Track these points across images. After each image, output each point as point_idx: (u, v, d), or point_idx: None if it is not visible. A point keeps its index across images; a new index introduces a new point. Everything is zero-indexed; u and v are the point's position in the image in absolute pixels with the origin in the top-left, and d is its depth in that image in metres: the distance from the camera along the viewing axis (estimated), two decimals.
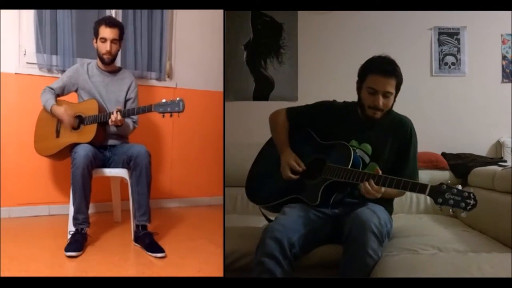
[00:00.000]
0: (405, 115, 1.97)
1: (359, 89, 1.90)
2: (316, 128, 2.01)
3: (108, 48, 2.45)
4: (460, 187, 1.48)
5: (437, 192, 1.50)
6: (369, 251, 1.61)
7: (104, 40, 2.45)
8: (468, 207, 1.44)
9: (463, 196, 1.46)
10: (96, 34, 2.48)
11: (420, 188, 1.56)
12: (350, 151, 1.81)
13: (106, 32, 2.44)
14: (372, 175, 1.68)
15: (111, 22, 2.48)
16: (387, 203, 1.92)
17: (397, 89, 1.84)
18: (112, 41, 2.46)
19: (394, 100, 1.87)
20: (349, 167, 1.76)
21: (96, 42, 2.49)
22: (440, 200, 1.48)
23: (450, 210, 1.48)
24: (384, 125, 1.92)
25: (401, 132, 1.91)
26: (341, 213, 1.86)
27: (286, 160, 1.92)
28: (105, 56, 2.48)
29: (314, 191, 1.81)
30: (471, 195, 1.45)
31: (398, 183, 1.61)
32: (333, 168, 1.79)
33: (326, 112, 2.01)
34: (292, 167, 1.90)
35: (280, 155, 1.98)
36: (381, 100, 1.81)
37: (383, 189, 1.67)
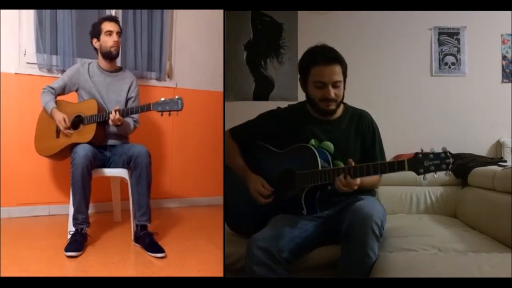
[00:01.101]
0: (363, 109, 1.92)
1: (304, 85, 1.83)
2: (267, 140, 1.93)
3: (115, 38, 2.49)
4: (435, 149, 1.47)
5: (415, 163, 1.47)
6: (369, 251, 1.60)
7: (110, 32, 2.48)
8: (449, 166, 1.43)
9: (441, 157, 1.45)
10: (98, 31, 2.50)
11: (398, 166, 1.52)
12: (313, 151, 1.73)
13: (110, 25, 2.50)
14: (347, 168, 1.62)
15: (111, 18, 2.57)
16: (370, 192, 1.90)
17: (344, 75, 1.78)
18: (117, 33, 2.51)
19: (344, 88, 1.80)
20: (319, 167, 1.69)
21: (99, 40, 2.50)
22: (421, 170, 1.46)
23: (434, 175, 1.46)
24: (344, 121, 1.88)
25: (362, 126, 1.87)
26: (333, 213, 1.83)
27: (254, 188, 1.84)
28: (112, 49, 2.50)
29: (297, 203, 1.74)
30: (448, 154, 1.44)
31: (375, 168, 1.58)
32: (305, 174, 1.71)
33: (272, 121, 1.94)
34: (261, 193, 1.83)
35: (245, 182, 1.89)
36: (332, 92, 1.75)
37: (358, 180, 1.62)
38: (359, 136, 1.87)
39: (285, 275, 1.64)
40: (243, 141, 1.99)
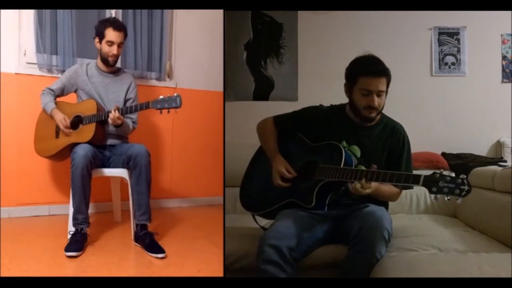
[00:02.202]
0: (398, 122, 1.97)
1: (349, 91, 1.89)
2: (305, 133, 2.00)
3: (115, 52, 2.45)
4: (453, 174, 1.48)
5: (431, 181, 1.49)
6: (376, 253, 1.63)
7: (111, 43, 2.44)
8: (463, 193, 1.43)
9: (457, 182, 1.45)
10: (101, 35, 2.45)
11: (414, 179, 1.55)
12: (341, 150, 1.80)
13: (114, 35, 2.43)
14: (365, 171, 1.67)
15: (118, 25, 2.47)
16: (385, 203, 1.93)
17: (387, 86, 1.85)
18: (119, 44, 2.46)
19: (385, 98, 1.87)
20: (342, 166, 1.75)
21: (100, 43, 2.47)
22: (434, 189, 1.47)
23: (446, 198, 1.46)
24: (376, 130, 1.92)
25: (393, 139, 1.91)
26: (341, 214, 1.85)
27: (276, 168, 1.91)
28: (110, 59, 2.48)
29: (309, 193, 1.79)
30: (465, 181, 1.44)
31: (391, 177, 1.60)
32: (326, 168, 1.78)
33: (314, 116, 2.00)
34: (282, 175, 1.89)
35: (271, 162, 1.97)
36: (376, 100, 1.81)
37: (372, 184, 1.65)
38: (387, 148, 1.90)
39: (294, 274, 1.65)
40: (284, 129, 2.06)
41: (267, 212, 1.96)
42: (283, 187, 1.90)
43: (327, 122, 1.97)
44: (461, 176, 1.46)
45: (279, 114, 2.10)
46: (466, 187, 1.44)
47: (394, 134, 1.92)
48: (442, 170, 1.50)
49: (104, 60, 2.50)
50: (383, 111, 1.96)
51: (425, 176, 1.51)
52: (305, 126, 2.01)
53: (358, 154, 1.88)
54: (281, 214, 1.85)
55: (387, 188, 1.81)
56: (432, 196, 1.48)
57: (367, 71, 1.81)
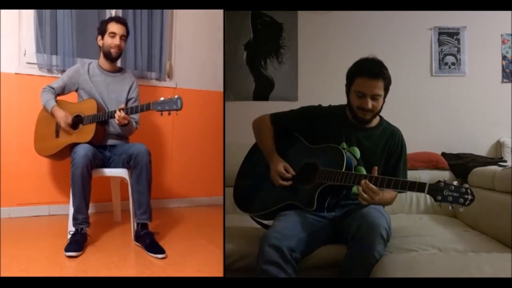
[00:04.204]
0: (396, 126, 1.97)
1: (348, 92, 1.90)
2: (303, 132, 1.99)
3: (117, 42, 2.49)
4: (456, 183, 1.52)
5: (435, 190, 1.52)
6: (375, 253, 1.63)
7: (113, 34, 2.48)
8: (466, 202, 1.49)
9: (461, 192, 1.50)
10: (103, 31, 2.49)
11: (419, 187, 1.57)
12: (343, 153, 1.80)
13: (116, 27, 2.49)
14: (369, 176, 1.67)
15: (120, 19, 2.55)
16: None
17: (386, 90, 1.84)
18: (121, 37, 2.50)
19: (384, 101, 1.87)
20: (343, 169, 1.75)
21: (103, 38, 2.50)
22: (439, 197, 1.51)
23: (450, 206, 1.51)
24: (376, 133, 1.93)
25: (391, 143, 1.91)
26: (340, 214, 1.86)
27: (275, 168, 1.90)
28: (112, 50, 2.49)
29: (310, 196, 1.79)
30: (468, 190, 1.50)
31: (396, 183, 1.62)
32: (327, 171, 1.78)
33: (312, 116, 2.00)
34: (281, 175, 1.88)
35: (269, 162, 1.96)
36: (370, 103, 1.81)
37: (381, 192, 1.66)
38: (386, 152, 1.91)
39: (294, 275, 1.65)
40: (280, 127, 2.04)
41: (265, 214, 1.95)
42: (282, 189, 1.89)
43: (326, 122, 1.96)
44: (465, 185, 1.51)
45: (276, 112, 2.09)
46: (469, 197, 1.49)
47: (393, 138, 1.93)
48: (445, 179, 1.53)
49: (107, 54, 2.51)
50: (382, 115, 1.96)
51: (430, 185, 1.54)
52: (303, 125, 2.00)
53: (358, 155, 1.88)
54: (281, 214, 1.85)
55: (389, 194, 1.82)
56: (436, 203, 1.52)
57: (362, 72, 1.81)
